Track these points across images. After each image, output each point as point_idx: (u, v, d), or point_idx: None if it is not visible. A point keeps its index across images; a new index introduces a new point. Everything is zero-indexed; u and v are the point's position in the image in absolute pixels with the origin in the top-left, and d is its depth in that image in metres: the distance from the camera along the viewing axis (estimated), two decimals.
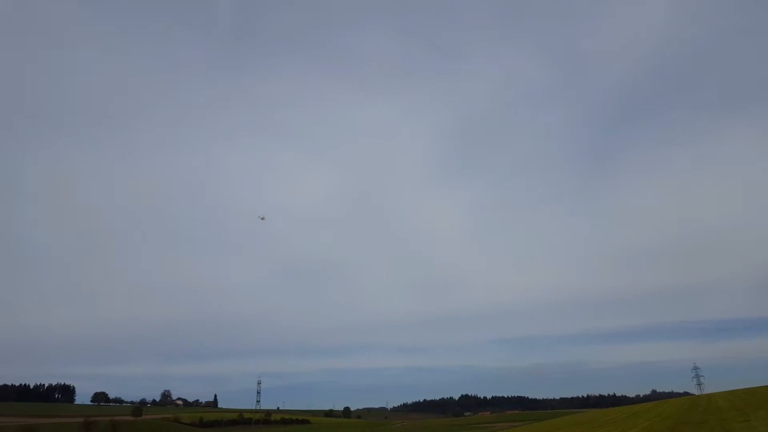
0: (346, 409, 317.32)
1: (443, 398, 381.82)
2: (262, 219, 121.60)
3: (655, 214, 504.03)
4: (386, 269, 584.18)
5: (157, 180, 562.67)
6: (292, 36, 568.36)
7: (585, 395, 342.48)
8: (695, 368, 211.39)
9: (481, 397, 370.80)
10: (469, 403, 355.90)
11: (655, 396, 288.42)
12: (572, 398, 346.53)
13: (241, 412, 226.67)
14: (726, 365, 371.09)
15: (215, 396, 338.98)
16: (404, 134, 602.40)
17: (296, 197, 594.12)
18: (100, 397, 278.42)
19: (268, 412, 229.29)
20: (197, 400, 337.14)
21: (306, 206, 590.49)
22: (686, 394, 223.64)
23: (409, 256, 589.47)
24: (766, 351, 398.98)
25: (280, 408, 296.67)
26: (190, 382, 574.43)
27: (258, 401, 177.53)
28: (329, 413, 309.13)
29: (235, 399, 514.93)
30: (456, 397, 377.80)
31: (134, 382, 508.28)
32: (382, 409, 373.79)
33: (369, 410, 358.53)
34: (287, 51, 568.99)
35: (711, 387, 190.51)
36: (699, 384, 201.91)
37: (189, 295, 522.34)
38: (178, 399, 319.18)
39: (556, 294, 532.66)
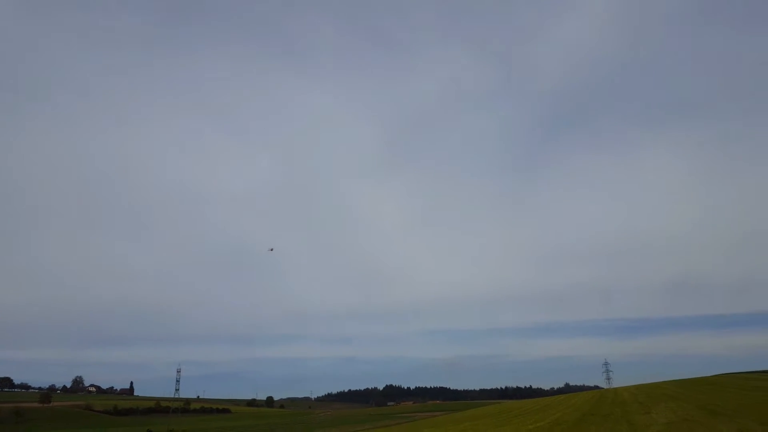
0: (269, 398, 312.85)
1: (368, 388, 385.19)
2: (271, 250, 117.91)
3: (579, 217, 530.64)
4: (316, 259, 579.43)
5: (73, 157, 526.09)
6: (233, 14, 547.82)
7: (503, 387, 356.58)
8: (605, 363, 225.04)
9: (405, 388, 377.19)
10: (393, 393, 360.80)
11: (568, 389, 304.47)
12: (491, 389, 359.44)
13: (158, 400, 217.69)
14: (633, 361, 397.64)
15: (131, 383, 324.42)
16: (343, 124, 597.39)
17: (225, 180, 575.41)
18: (3, 383, 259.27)
19: (188, 401, 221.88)
20: (112, 387, 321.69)
21: (236, 191, 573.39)
22: (596, 387, 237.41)
23: (340, 247, 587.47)
24: (668, 348, 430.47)
25: (200, 397, 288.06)
26: (105, 369, 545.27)
27: (177, 389, 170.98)
28: (251, 402, 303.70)
29: (152, 387, 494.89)
30: (380, 387, 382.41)
31: (43, 367, 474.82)
32: (306, 399, 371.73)
33: (293, 400, 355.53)
34: (226, 30, 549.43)
35: (619, 381, 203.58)
36: (608, 378, 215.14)
37: (105, 278, 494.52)
38: (91, 386, 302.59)
39: (480, 289, 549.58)
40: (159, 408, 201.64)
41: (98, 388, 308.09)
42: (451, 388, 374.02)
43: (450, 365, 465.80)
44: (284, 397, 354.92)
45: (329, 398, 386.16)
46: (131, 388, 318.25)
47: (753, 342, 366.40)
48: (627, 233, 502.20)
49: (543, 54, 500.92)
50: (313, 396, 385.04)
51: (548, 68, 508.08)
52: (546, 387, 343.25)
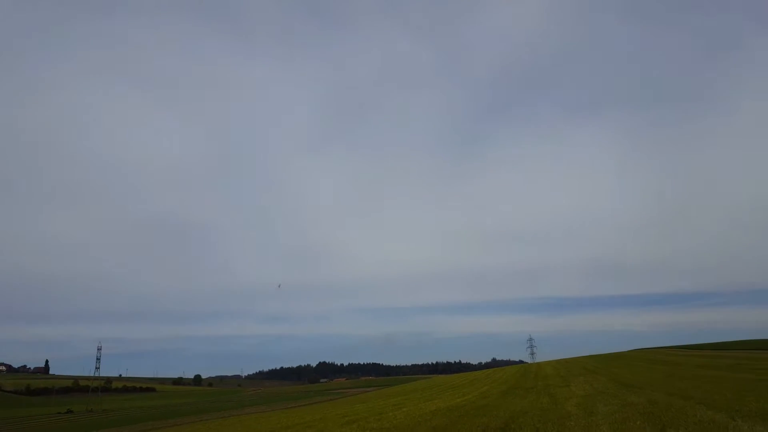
0: (197, 376, 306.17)
1: (300, 366, 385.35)
2: (279, 287, 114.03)
3: (511, 199, 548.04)
4: (249, 235, 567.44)
5: None
6: None
7: (434, 362, 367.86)
8: (530, 339, 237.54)
9: (338, 365, 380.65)
10: (326, 370, 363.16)
11: (494, 363, 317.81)
12: (422, 365, 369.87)
13: (76, 379, 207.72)
14: (556, 337, 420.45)
15: (46, 362, 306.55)
16: (280, 97, 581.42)
17: (153, 151, 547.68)
18: None
19: (109, 380, 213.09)
20: (24, 366, 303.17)
21: (166, 161, 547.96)
22: (521, 362, 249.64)
23: (274, 223, 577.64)
24: (588, 325, 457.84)
25: (123, 375, 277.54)
26: (18, 347, 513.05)
27: (97, 368, 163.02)
28: (178, 381, 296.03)
29: (70, 366, 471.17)
30: (314, 364, 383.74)
31: None
32: (236, 378, 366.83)
33: (222, 378, 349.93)
34: None
35: (542, 356, 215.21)
36: (532, 353, 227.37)
37: (17, 251, 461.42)
38: (1, 364, 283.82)
39: (414, 267, 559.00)
40: (77, 387, 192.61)
41: (9, 366, 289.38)
42: (384, 364, 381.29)
43: (383, 342, 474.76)
44: (213, 375, 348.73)
45: (260, 376, 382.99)
46: (46, 367, 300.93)
47: (663, 320, 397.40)
48: (556, 216, 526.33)
49: (481, 37, 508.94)
50: (244, 374, 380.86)
51: (486, 52, 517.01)
52: (474, 362, 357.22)
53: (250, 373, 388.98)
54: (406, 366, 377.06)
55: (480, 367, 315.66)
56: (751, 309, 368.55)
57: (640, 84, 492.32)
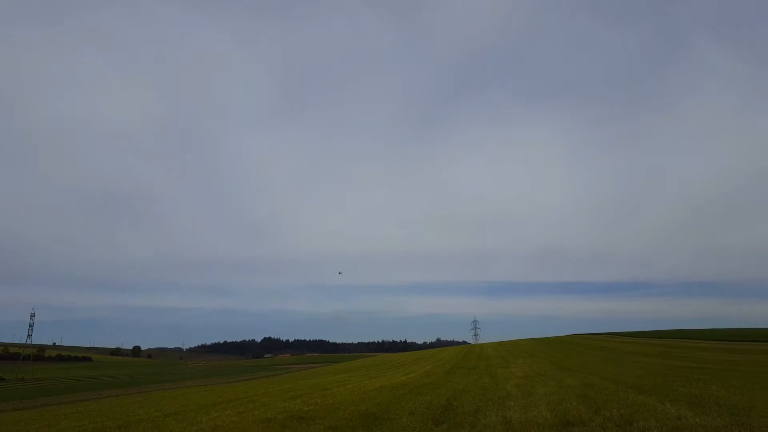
0: (136, 348, 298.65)
1: (245, 341, 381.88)
2: (340, 273, 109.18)
3: (465, 183, 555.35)
4: (200, 207, 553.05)
5: None
6: None
7: (380, 341, 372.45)
8: (474, 321, 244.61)
9: (284, 341, 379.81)
10: (271, 346, 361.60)
11: (439, 344, 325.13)
12: (369, 343, 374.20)
13: (6, 346, 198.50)
14: (499, 320, 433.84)
15: None
16: (238, 68, 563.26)
17: (102, 115, 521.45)
18: None
19: (42, 348, 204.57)
20: None
21: (112, 126, 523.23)
22: (465, 343, 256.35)
23: (226, 195, 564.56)
24: (531, 310, 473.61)
25: (57, 344, 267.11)
26: None
27: (30, 335, 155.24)
28: (116, 351, 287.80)
29: (0, 332, 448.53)
30: (258, 340, 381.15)
31: None
32: (177, 350, 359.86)
33: (162, 350, 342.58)
34: None
35: (485, 338, 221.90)
36: (476, 335, 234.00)
37: None
38: None
39: (364, 245, 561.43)
40: (7, 354, 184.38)
41: None
42: (330, 342, 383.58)
43: (332, 320, 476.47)
44: (153, 347, 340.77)
45: (203, 349, 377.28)
46: None
47: (601, 307, 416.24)
48: (507, 202, 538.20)
49: (444, 21, 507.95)
50: (185, 347, 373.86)
51: (448, 36, 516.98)
52: (419, 342, 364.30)
53: (192, 346, 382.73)
54: (353, 344, 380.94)
55: (425, 346, 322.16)
56: (681, 300, 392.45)
57: (592, 79, 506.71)
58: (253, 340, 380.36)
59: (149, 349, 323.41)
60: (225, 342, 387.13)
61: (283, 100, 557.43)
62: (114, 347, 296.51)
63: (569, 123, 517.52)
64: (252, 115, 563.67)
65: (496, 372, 32.41)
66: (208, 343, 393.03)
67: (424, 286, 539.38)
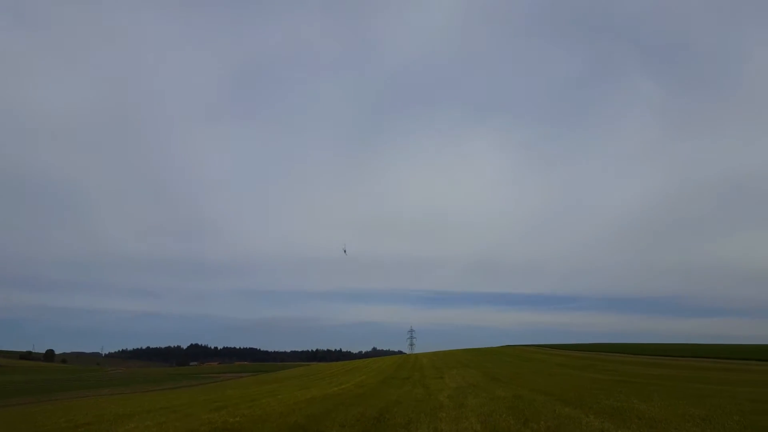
0: (49, 351, 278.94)
1: (169, 347, 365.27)
2: (345, 252, 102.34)
3: (406, 193, 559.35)
4: (130, 202, 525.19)
5: None
6: None
7: (314, 350, 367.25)
8: (411, 330, 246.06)
9: (212, 348, 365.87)
10: (197, 353, 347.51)
11: (375, 353, 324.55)
12: (302, 351, 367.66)
13: None
14: (435, 330, 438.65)
15: None
16: (183, 60, 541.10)
17: (27, 99, 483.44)
18: None
19: None
20: None
21: (39, 112, 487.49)
22: (400, 352, 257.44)
23: (160, 192, 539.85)
24: (465, 320, 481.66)
25: None
26: None
27: None
28: (26, 355, 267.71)
29: None
30: (184, 346, 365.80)
31: None
32: (96, 355, 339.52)
33: (79, 355, 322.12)
34: None
35: (421, 348, 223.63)
36: (411, 345, 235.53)
37: None
38: None
39: (299, 250, 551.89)
40: None
41: None
42: (261, 350, 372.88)
43: (263, 327, 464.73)
44: (68, 351, 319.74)
45: (123, 355, 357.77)
46: None
47: (532, 319, 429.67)
48: (445, 213, 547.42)
49: (393, 32, 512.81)
50: (104, 352, 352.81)
51: (394, 49, 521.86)
52: (355, 351, 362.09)
53: (112, 351, 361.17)
54: (285, 352, 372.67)
55: (360, 355, 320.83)
56: (607, 314, 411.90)
57: (530, 100, 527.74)
58: (179, 347, 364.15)
59: (64, 353, 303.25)
60: (148, 348, 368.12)
61: (228, 99, 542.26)
62: (24, 351, 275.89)
63: (507, 140, 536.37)
64: (194, 112, 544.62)
65: (429, 383, 32.52)
66: (130, 348, 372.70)
67: (361, 294, 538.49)
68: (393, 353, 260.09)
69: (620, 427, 12.52)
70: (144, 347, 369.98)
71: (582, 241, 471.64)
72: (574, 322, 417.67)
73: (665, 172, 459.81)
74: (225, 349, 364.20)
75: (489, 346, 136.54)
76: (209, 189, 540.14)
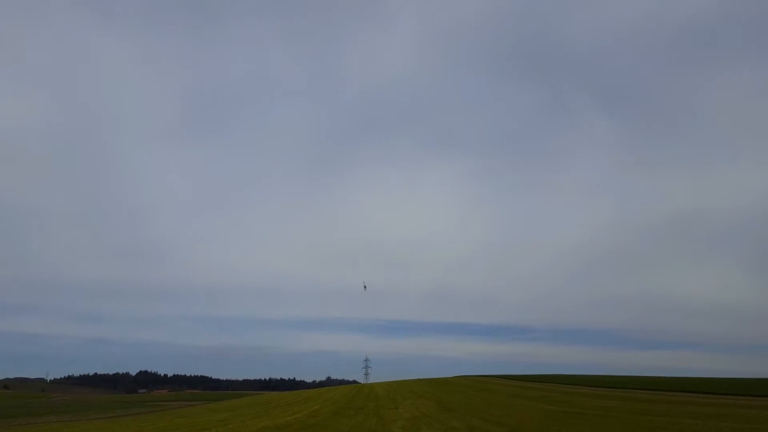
0: None
1: (118, 373, 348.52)
2: (365, 288, 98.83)
3: (362, 222, 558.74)
4: (78, 225, 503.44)
5: None
6: None
7: (268, 378, 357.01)
8: (366, 360, 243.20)
9: (162, 375, 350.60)
10: (146, 380, 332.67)
11: (329, 382, 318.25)
12: (255, 380, 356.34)
13: None
14: (390, 359, 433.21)
15: None
16: (140, 81, 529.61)
17: None
18: None
19: None
20: None
21: None
22: (355, 382, 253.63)
23: (110, 215, 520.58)
24: (420, 350, 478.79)
25: None
26: None
27: None
28: None
29: None
30: (133, 373, 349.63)
31: None
32: (40, 381, 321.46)
33: (22, 381, 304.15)
34: None
35: (376, 377, 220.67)
36: (366, 374, 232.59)
37: None
38: None
39: (253, 278, 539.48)
40: None
41: None
42: (213, 378, 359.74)
43: (215, 354, 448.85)
44: (10, 377, 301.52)
45: (69, 382, 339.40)
46: None
47: (486, 349, 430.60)
48: (402, 244, 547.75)
49: (355, 62, 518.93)
50: (49, 378, 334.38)
51: (355, 81, 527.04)
52: (309, 380, 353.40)
53: (58, 377, 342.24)
54: (237, 381, 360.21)
55: (314, 385, 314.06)
56: (559, 346, 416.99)
57: (487, 134, 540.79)
58: (127, 374, 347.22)
59: (6, 378, 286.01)
60: (95, 374, 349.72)
61: (183, 122, 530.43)
62: None
63: (464, 173, 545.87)
64: (148, 134, 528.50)
65: (384, 413, 32.09)
66: (76, 374, 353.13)
67: (315, 322, 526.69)
68: (348, 383, 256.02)
69: None
70: (91, 373, 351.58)
71: (536, 273, 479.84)
72: (528, 352, 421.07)
73: (616, 208, 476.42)
74: (175, 376, 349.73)
75: (444, 375, 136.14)
76: (161, 213, 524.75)
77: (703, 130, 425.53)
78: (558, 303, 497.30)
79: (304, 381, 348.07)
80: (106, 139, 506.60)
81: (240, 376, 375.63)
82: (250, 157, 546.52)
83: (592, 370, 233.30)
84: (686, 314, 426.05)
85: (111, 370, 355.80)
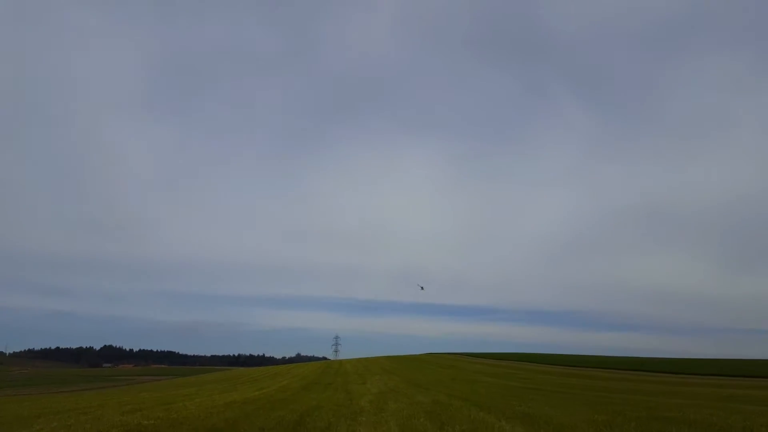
0: None
1: (81, 347, 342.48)
2: (422, 289, 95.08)
3: (337, 202, 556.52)
4: (44, 196, 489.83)
5: None
6: None
7: (237, 354, 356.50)
8: (336, 337, 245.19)
9: (127, 350, 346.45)
10: (111, 355, 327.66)
11: (299, 359, 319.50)
12: (223, 356, 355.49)
13: None
14: (360, 337, 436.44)
15: None
16: (105, 49, 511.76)
17: None
18: None
19: None
20: None
21: None
22: (325, 359, 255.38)
23: (76, 187, 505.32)
24: (390, 329, 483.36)
25: None
26: None
27: None
28: None
29: None
30: (98, 347, 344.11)
31: None
32: None
33: None
34: None
35: (345, 354, 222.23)
36: (336, 351, 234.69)
37: None
38: None
39: (226, 255, 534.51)
40: None
41: None
42: (181, 353, 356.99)
43: (184, 330, 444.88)
44: None
45: (30, 355, 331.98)
46: None
47: (455, 329, 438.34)
48: (375, 224, 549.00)
49: (334, 36, 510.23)
50: (8, 351, 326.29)
51: (334, 54, 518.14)
52: (278, 356, 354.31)
53: (18, 350, 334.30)
54: (206, 357, 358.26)
55: (284, 361, 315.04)
56: (524, 326, 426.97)
57: (464, 117, 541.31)
58: (91, 348, 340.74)
59: None
60: (57, 348, 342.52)
61: (157, 94, 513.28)
62: None
63: (439, 155, 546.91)
64: (118, 106, 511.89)
65: (352, 388, 32.68)
66: (37, 348, 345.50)
67: (287, 300, 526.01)
68: (318, 359, 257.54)
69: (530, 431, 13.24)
70: (53, 347, 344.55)
71: (505, 256, 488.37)
72: (493, 332, 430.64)
73: (585, 194, 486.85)
74: (141, 351, 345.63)
75: (412, 353, 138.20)
76: (131, 186, 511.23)
77: (672, 123, 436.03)
78: (524, 286, 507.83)
79: (273, 357, 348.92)
80: (71, 107, 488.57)
81: (209, 352, 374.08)
82: (223, 131, 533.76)
83: (555, 350, 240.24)
84: (644, 299, 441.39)
85: (74, 344, 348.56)
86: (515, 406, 19.19)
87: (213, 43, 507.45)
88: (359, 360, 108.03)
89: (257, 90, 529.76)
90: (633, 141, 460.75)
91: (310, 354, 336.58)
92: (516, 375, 50.21)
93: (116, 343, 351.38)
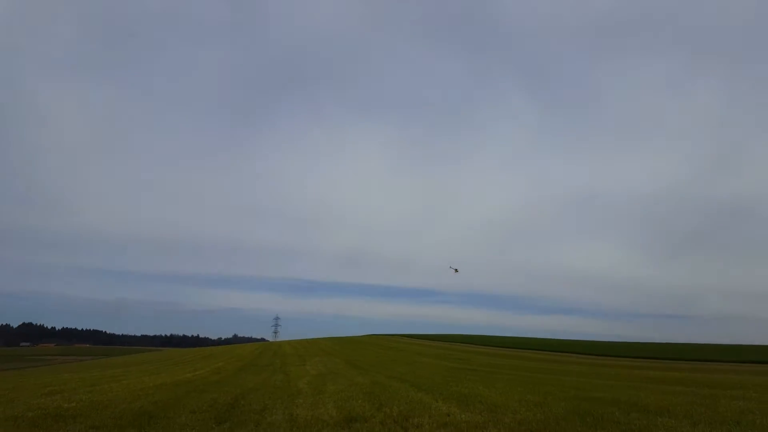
0: None
1: None
2: (456, 271, 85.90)
3: (278, 178, 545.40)
4: None
5: None
6: None
7: (169, 335, 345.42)
8: (276, 318, 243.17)
9: (48, 328, 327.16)
10: (30, 333, 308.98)
11: (236, 340, 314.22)
12: (154, 336, 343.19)
13: None
14: (301, 318, 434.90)
15: None
16: (38, 12, 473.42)
17: None
18: None
19: None
20: None
21: None
22: (263, 340, 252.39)
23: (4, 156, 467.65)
24: (332, 310, 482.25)
25: None
26: None
27: None
28: None
29: None
30: (15, 325, 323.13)
31: None
32: None
33: None
34: None
35: (286, 336, 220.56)
36: (276, 332, 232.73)
37: None
38: None
39: (158, 230, 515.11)
40: None
41: None
42: (107, 332, 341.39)
43: (111, 308, 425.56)
44: None
45: None
46: None
47: (399, 311, 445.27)
48: (320, 204, 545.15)
49: (279, 10, 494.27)
50: None
51: (283, 24, 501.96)
52: (214, 337, 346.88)
53: None
54: (135, 336, 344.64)
55: (220, 342, 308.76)
56: (465, 309, 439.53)
57: (415, 101, 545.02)
58: (7, 325, 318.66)
59: None
60: None
61: (88, 54, 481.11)
62: None
63: (388, 138, 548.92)
64: (41, 66, 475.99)
65: (290, 370, 32.30)
66: None
67: (224, 279, 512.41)
68: (256, 341, 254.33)
69: (464, 411, 13.40)
70: None
71: (449, 239, 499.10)
72: (435, 314, 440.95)
73: (527, 182, 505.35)
74: (64, 330, 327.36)
75: (354, 335, 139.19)
76: (54, 154, 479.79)
77: (610, 118, 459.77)
78: (467, 269, 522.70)
79: (208, 338, 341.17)
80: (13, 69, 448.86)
81: (138, 332, 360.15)
82: (161, 99, 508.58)
83: (495, 332, 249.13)
84: (581, 284, 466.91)
85: None
86: (452, 387, 19.48)
87: (155, 6, 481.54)
88: (299, 341, 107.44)
89: (202, 57, 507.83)
90: (573, 133, 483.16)
91: (248, 335, 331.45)
92: (454, 356, 51.41)
93: (36, 321, 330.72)
